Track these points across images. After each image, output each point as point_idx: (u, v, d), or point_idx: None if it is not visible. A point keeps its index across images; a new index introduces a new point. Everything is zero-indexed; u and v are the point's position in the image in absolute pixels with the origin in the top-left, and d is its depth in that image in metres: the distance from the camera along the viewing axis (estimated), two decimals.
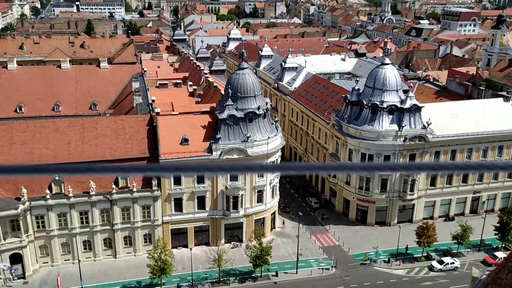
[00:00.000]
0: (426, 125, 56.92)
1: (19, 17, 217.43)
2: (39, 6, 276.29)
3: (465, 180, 61.59)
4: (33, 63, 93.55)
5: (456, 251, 53.96)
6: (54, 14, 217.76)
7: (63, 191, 48.30)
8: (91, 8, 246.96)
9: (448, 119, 59.76)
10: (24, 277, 47.97)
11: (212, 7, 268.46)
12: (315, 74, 78.18)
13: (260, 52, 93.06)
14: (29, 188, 47.14)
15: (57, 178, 47.98)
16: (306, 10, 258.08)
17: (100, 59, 78.70)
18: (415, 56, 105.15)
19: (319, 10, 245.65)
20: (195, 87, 65.77)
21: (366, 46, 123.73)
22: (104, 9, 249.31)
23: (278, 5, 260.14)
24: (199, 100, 62.77)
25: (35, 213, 48.11)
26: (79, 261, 47.11)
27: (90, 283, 47.01)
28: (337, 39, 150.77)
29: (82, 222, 49.81)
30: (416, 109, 57.04)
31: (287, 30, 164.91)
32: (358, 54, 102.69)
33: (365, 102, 57.60)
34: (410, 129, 56.88)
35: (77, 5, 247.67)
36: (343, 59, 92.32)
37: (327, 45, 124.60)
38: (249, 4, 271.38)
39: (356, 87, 59.94)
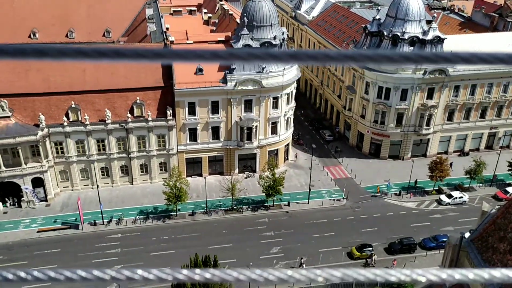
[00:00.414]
0: None
1: None
2: None
3: (483, 115, 60.59)
4: None
5: (468, 185, 54.35)
6: None
7: (79, 119, 48.98)
8: None
9: (472, 51, 57.54)
10: (46, 200, 50.14)
11: None
12: (334, 2, 74.94)
13: None
14: (46, 115, 47.85)
15: (73, 105, 48.45)
16: None
17: None
18: None
19: None
20: (210, 15, 63.86)
21: None
22: None
23: None
24: (214, 28, 61.20)
25: (54, 139, 49.21)
26: (97, 186, 48.86)
27: (108, 207, 49.01)
28: None
29: (99, 150, 50.96)
30: (438, 41, 54.94)
31: None
32: None
33: (385, 33, 55.56)
34: None
35: None
36: None
37: None
38: None
39: (377, 17, 57.56)
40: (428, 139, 59.65)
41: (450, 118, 59.59)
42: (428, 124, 57.72)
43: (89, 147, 50.36)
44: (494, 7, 72.91)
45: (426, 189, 54.17)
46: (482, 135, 61.93)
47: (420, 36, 54.54)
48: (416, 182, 53.86)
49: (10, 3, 68.39)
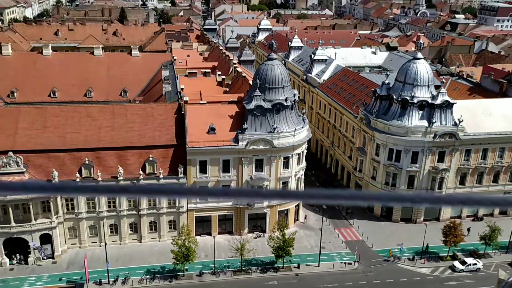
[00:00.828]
0: (457, 122, 55.56)
1: (55, 3, 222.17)
2: None
3: (495, 180, 59.98)
4: (68, 49, 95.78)
5: (483, 251, 52.79)
6: (88, 1, 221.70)
7: (92, 175, 49.57)
8: None
9: (481, 116, 58.17)
10: (53, 257, 49.62)
11: None
12: (344, 67, 77.26)
13: (289, 43, 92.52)
14: (60, 171, 48.54)
15: (87, 162, 49.25)
16: (337, 2, 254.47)
17: (131, 46, 79.92)
18: (449, 51, 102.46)
19: (351, 2, 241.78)
20: (223, 76, 66.04)
21: (398, 39, 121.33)
22: None
23: None
24: (227, 89, 63.02)
25: (65, 195, 49.47)
26: (105, 244, 48.37)
27: (115, 265, 48.23)
28: (368, 32, 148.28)
29: (109, 206, 51.06)
30: (447, 106, 55.72)
31: (318, 21, 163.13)
32: (389, 48, 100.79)
33: (395, 97, 56.62)
34: (441, 125, 55.65)
35: None
36: (374, 53, 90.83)
37: (358, 37, 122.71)
38: None
39: (386, 81, 58.95)
40: None
41: (462, 182, 59.06)
42: (440, 188, 57.21)
43: (99, 204, 50.52)
44: (502, 73, 74.39)
45: (440, 254, 52.67)
46: None
47: (429, 101, 55.45)
48: (427, 247, 52.48)
49: (33, 63, 71.77)
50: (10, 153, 46.67)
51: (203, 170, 52.28)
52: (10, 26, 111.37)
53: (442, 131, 55.30)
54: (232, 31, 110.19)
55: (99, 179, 49.34)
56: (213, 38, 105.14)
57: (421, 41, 67.71)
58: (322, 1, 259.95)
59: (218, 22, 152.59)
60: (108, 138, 50.95)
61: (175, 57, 75.03)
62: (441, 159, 56.85)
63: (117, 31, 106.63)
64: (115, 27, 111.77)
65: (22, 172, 47.72)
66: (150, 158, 50.48)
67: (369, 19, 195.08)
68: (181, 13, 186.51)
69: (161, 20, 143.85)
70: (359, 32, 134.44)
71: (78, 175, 49.13)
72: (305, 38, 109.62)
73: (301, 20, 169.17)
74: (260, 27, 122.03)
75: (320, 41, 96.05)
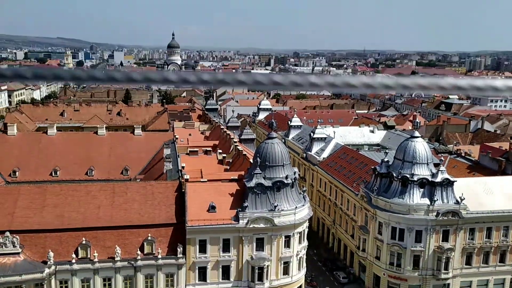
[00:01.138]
0: (459, 200, 55.25)
1: (62, 86, 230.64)
2: None
3: (502, 259, 58.34)
4: (72, 129, 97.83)
5: None
6: (95, 83, 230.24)
7: (88, 256, 48.30)
8: None
9: (482, 194, 57.94)
10: None
11: None
12: (344, 145, 78.43)
13: (289, 122, 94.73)
14: (56, 251, 47.39)
15: (84, 242, 48.23)
16: None
17: (134, 126, 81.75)
18: (446, 130, 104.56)
19: None
20: (224, 155, 66.80)
21: (395, 119, 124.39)
22: None
23: None
24: (228, 167, 63.44)
25: (60, 277, 47.91)
26: None
27: None
28: (366, 111, 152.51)
29: None
30: (448, 184, 55.75)
31: (316, 101, 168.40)
32: (387, 127, 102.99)
33: (394, 175, 56.85)
34: (443, 203, 55.26)
35: None
36: (372, 131, 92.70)
37: (356, 117, 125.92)
38: None
39: (386, 159, 59.53)
40: (448, 284, 56.72)
41: (468, 262, 57.41)
42: (446, 268, 55.48)
43: (94, 286, 48.67)
44: (500, 151, 75.28)
45: None
46: (504, 280, 58.87)
47: (430, 178, 55.57)
48: None
49: (37, 143, 72.95)
50: (7, 233, 45.87)
51: (203, 249, 51.05)
52: (17, 108, 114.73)
53: (444, 209, 54.79)
54: (233, 111, 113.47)
55: (95, 260, 48.03)
56: (215, 118, 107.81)
57: (417, 120, 69.44)
58: None
59: (219, 102, 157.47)
60: (107, 217, 50.37)
61: (176, 136, 76.40)
62: (445, 238, 55.74)
63: (121, 111, 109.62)
64: (119, 107, 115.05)
65: (18, 253, 46.59)
66: (149, 237, 49.51)
67: (366, 99, 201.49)
68: (184, 94, 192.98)
69: (164, 100, 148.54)
70: (357, 111, 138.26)
71: (74, 255, 47.90)
72: (304, 118, 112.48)
73: (300, 100, 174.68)
74: (260, 107, 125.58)
75: (319, 120, 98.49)
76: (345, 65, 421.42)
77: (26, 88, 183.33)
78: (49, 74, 2.21)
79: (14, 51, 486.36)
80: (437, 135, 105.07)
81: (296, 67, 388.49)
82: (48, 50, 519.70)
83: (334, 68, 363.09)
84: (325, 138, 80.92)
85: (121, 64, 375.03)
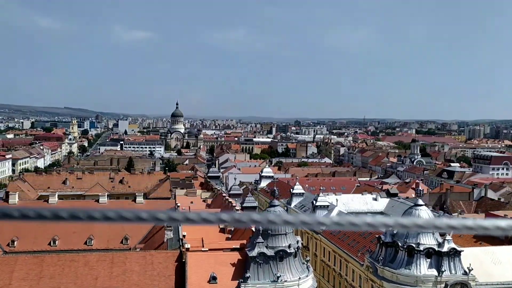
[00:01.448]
0: (467, 271, 53.60)
1: (66, 154, 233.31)
2: (86, 144, 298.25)
3: None
4: (74, 197, 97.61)
5: None
6: (99, 152, 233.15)
7: None
8: (133, 147, 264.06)
9: (490, 264, 56.33)
10: None
11: (246, 147, 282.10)
12: (347, 213, 77.59)
13: (291, 190, 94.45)
14: None
15: None
16: (336, 151, 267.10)
17: (136, 194, 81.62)
18: (449, 198, 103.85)
19: (349, 151, 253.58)
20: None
21: (398, 186, 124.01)
22: (146, 147, 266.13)
23: (309, 146, 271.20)
24: (230, 236, 62.40)
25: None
26: None
27: None
28: (368, 179, 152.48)
29: None
30: (455, 253, 54.36)
31: (318, 169, 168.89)
32: (390, 194, 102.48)
33: (400, 244, 55.62)
34: (451, 274, 53.53)
35: (121, 144, 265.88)
36: (375, 199, 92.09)
37: (358, 184, 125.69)
38: (282, 145, 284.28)
39: (390, 228, 58.54)
40: None
41: None
42: None
43: None
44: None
45: None
46: None
47: (436, 248, 54.33)
48: None
49: None
50: None
51: None
52: (20, 176, 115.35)
53: (453, 281, 52.98)
54: (235, 178, 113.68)
55: None
56: (217, 185, 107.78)
57: (420, 188, 69.25)
58: (322, 150, 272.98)
59: (221, 170, 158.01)
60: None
61: (178, 204, 76.00)
62: None
63: (123, 179, 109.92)
64: (122, 175, 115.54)
65: None
66: None
67: (368, 167, 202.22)
68: (187, 162, 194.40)
69: (166, 168, 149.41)
70: (359, 179, 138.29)
71: None
72: (306, 185, 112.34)
73: (301, 168, 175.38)
74: (263, 174, 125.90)
75: (321, 187, 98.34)
76: (345, 133, 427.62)
77: (31, 156, 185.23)
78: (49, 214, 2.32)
79: (22, 120, 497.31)
80: (440, 203, 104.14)
81: (298, 135, 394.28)
82: (55, 120, 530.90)
83: (335, 136, 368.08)
84: (327, 206, 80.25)
85: (125, 132, 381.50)
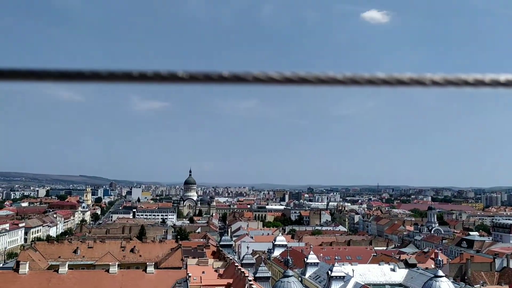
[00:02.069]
0: None
1: (79, 222, 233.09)
2: (99, 212, 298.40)
3: None
4: (84, 267, 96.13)
5: None
6: (111, 219, 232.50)
7: None
8: (146, 215, 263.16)
9: None
10: None
11: (259, 214, 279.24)
12: (364, 284, 74.74)
13: (305, 259, 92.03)
14: None
15: None
16: (350, 218, 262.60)
17: (147, 263, 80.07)
18: (470, 268, 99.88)
19: (363, 219, 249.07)
20: None
21: (416, 256, 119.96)
22: (158, 215, 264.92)
23: (323, 214, 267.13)
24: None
25: None
26: None
27: None
28: (384, 248, 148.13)
29: None
30: None
31: (333, 237, 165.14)
32: (408, 265, 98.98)
33: None
34: None
35: (134, 212, 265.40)
36: (393, 269, 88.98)
37: (375, 254, 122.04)
38: (295, 212, 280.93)
39: None
40: None
41: None
42: None
43: None
44: None
45: None
46: None
47: None
48: None
49: (47, 282, 71.34)
50: None
51: None
52: (32, 245, 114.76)
53: None
54: (247, 247, 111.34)
55: None
56: (229, 254, 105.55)
57: (439, 258, 67.13)
58: (335, 218, 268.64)
59: (234, 238, 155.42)
60: None
61: (189, 274, 74.26)
62: None
63: (135, 248, 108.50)
64: (133, 244, 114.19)
65: None
66: None
67: (384, 235, 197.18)
68: (199, 230, 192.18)
69: (178, 236, 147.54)
70: (375, 248, 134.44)
71: None
72: (321, 254, 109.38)
73: (315, 236, 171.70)
74: (276, 243, 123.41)
75: (336, 257, 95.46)
76: (359, 200, 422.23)
77: (43, 225, 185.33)
78: None
79: (37, 188, 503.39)
80: (461, 274, 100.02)
81: (311, 203, 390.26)
82: (69, 188, 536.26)
83: (349, 204, 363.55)
84: (343, 276, 77.55)
85: (138, 200, 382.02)
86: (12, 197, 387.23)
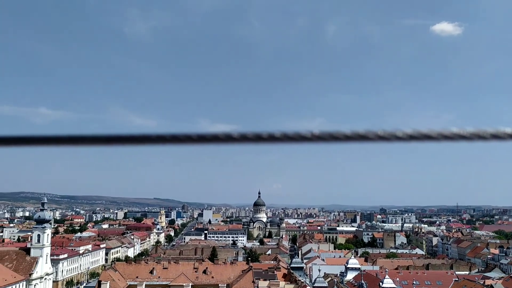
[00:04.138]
0: None
1: (154, 244, 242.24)
2: (173, 233, 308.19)
3: None
4: (160, 287, 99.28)
5: None
6: (184, 241, 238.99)
7: None
8: (217, 236, 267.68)
9: None
10: None
11: (329, 236, 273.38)
12: None
13: (380, 283, 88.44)
14: None
15: None
16: (428, 241, 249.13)
17: (219, 285, 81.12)
18: None
19: (443, 242, 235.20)
20: None
21: (503, 281, 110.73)
22: (229, 237, 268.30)
23: (397, 235, 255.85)
24: None
25: None
26: None
27: None
28: (467, 272, 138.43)
29: None
30: None
31: (409, 261, 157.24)
32: None
33: None
34: None
35: (205, 234, 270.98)
36: None
37: (456, 279, 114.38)
38: (367, 234, 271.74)
39: None
40: None
41: None
42: None
43: None
44: None
45: None
46: None
47: None
48: None
49: None
50: None
51: None
52: (112, 265, 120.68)
53: None
54: (319, 270, 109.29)
55: None
56: (300, 277, 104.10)
57: None
58: (411, 240, 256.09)
59: (305, 261, 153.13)
60: None
61: None
62: None
63: (207, 269, 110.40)
64: (205, 265, 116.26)
65: None
66: None
67: (465, 259, 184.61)
68: (269, 251, 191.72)
69: (249, 258, 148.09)
70: (456, 272, 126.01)
71: None
72: (397, 279, 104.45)
73: (390, 259, 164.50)
74: (348, 266, 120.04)
75: (414, 281, 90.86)
76: (437, 222, 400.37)
77: (122, 246, 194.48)
78: None
79: (116, 211, 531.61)
80: None
81: (384, 224, 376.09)
82: (145, 210, 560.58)
83: (426, 225, 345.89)
84: None
85: (209, 222, 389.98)
86: (94, 219, 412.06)
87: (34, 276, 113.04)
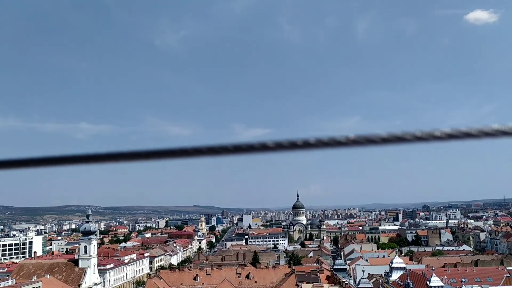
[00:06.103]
0: None
1: (196, 250, 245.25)
2: (214, 240, 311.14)
3: None
4: None
5: None
6: (225, 247, 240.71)
7: None
8: (257, 241, 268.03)
9: None
10: None
11: (372, 236, 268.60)
12: None
13: (427, 282, 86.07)
14: None
15: None
16: (475, 236, 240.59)
17: None
18: None
19: (491, 237, 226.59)
20: None
21: None
22: (269, 241, 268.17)
23: (443, 232, 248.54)
24: None
25: None
26: None
27: None
28: None
29: None
30: None
31: (457, 258, 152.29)
32: None
33: None
34: None
35: (246, 239, 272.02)
36: None
37: (508, 275, 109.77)
38: (411, 232, 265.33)
39: None
40: None
41: None
42: None
43: None
44: None
45: None
46: None
47: None
48: None
49: None
50: None
51: None
52: (156, 273, 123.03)
53: None
54: (363, 271, 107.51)
55: None
56: (344, 279, 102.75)
57: None
58: (458, 237, 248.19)
59: (348, 262, 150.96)
60: None
61: None
62: None
63: (250, 274, 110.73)
64: (248, 270, 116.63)
65: None
66: None
67: None
68: (311, 254, 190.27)
69: (291, 261, 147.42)
70: (507, 268, 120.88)
71: None
72: (445, 277, 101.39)
73: (437, 257, 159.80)
74: (393, 265, 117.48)
75: (462, 279, 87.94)
76: (484, 216, 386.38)
77: (165, 254, 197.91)
78: None
79: (158, 220, 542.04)
80: None
81: (428, 221, 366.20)
82: (185, 218, 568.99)
83: (472, 220, 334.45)
84: None
85: (249, 226, 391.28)
86: (137, 229, 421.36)
87: (83, 286, 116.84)
